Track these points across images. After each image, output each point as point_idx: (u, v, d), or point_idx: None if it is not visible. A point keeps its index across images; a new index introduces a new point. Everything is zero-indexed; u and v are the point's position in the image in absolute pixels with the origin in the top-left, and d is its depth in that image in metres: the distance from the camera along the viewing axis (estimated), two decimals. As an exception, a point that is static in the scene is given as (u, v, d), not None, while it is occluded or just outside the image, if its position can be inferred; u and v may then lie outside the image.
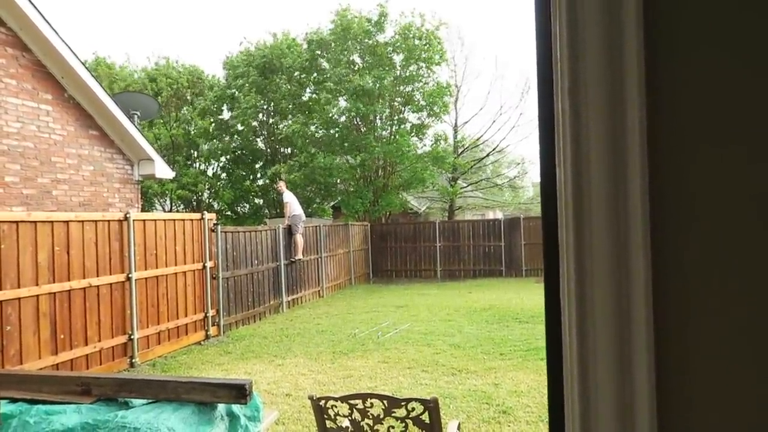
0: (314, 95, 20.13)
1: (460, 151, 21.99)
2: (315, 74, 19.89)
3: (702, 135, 0.75)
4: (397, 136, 18.00)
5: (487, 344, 7.88)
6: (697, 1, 0.75)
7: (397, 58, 18.55)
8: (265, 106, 21.74)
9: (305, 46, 20.10)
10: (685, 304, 0.76)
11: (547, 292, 0.87)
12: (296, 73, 20.84)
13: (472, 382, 6.17)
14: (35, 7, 7.68)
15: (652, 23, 0.75)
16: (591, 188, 0.76)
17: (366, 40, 18.54)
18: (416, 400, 2.61)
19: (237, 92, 21.19)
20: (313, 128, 19.28)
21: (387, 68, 18.07)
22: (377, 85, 17.51)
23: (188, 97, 23.06)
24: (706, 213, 0.75)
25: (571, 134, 0.77)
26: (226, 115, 22.50)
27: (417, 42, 18.14)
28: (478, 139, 22.43)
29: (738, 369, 0.75)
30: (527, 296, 12.36)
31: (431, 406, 2.57)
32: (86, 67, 8.81)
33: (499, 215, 24.09)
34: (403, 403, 2.60)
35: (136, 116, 10.39)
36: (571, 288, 0.78)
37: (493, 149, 22.80)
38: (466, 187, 23.19)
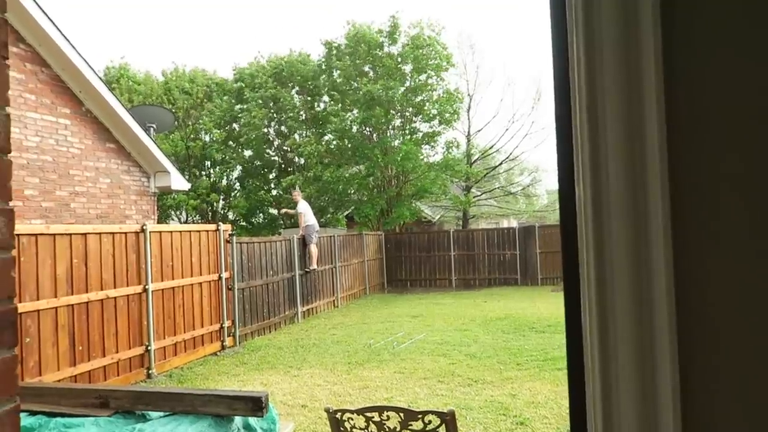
0: (327, 106, 20.29)
1: (473, 159, 21.95)
2: (327, 87, 20.05)
3: (722, 146, 0.74)
4: (408, 145, 18.02)
5: (504, 354, 7.81)
6: (714, 9, 0.74)
7: (407, 68, 18.64)
8: (276, 117, 21.90)
9: (323, 49, 20.21)
10: (708, 310, 0.75)
11: (567, 304, 0.86)
12: (309, 84, 21.00)
13: (488, 392, 6.11)
14: (53, 23, 7.83)
15: (670, 36, 0.75)
16: (610, 202, 0.75)
17: (377, 52, 18.66)
18: (433, 412, 2.59)
19: (247, 104, 21.35)
20: (326, 139, 19.40)
21: (397, 79, 18.16)
22: (388, 94, 17.58)
23: (204, 105, 23.27)
24: (728, 223, 0.74)
25: (590, 149, 0.76)
26: (238, 125, 22.70)
27: (424, 51, 18.22)
28: (490, 148, 22.38)
29: (764, 375, 0.73)
30: (543, 305, 12.25)
31: (448, 419, 2.55)
32: (103, 81, 8.94)
33: (514, 223, 23.99)
34: (419, 416, 2.57)
35: (152, 129, 10.52)
36: (592, 300, 0.77)
37: (507, 157, 22.74)
38: (480, 195, 23.13)
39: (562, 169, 0.84)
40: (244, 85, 22.07)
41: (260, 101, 20.87)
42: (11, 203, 1.06)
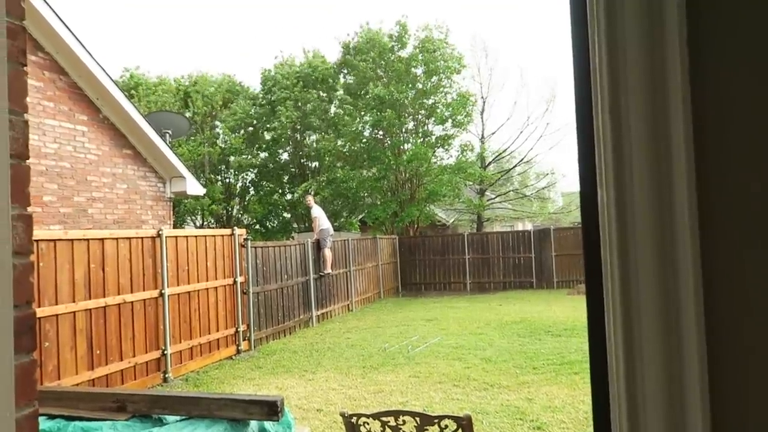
0: (340, 110, 20.37)
1: (487, 162, 21.88)
2: (340, 91, 20.12)
3: (749, 145, 0.73)
4: (419, 147, 18.00)
5: (519, 358, 7.75)
6: (740, 8, 0.73)
7: (418, 71, 18.65)
8: (296, 120, 22.04)
9: (337, 52, 20.37)
10: (736, 310, 0.73)
11: (589, 304, 0.85)
12: (322, 91, 21.11)
13: (504, 397, 6.07)
14: (71, 30, 7.93)
15: (696, 35, 0.74)
16: (635, 202, 0.74)
17: (389, 56, 18.70)
18: (449, 417, 2.57)
19: (272, 108, 21.50)
20: (340, 142, 19.47)
21: (408, 83, 18.17)
22: (399, 98, 17.59)
23: (221, 109, 23.43)
24: (756, 222, 0.73)
25: (613, 149, 0.75)
26: (253, 129, 22.84)
27: (434, 54, 18.23)
28: (504, 150, 22.31)
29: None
30: (559, 308, 12.15)
31: (464, 424, 2.53)
32: (120, 88, 9.04)
33: (529, 226, 23.84)
34: (435, 421, 2.56)
35: (167, 135, 10.61)
36: (616, 300, 0.76)
37: (521, 160, 22.64)
38: (494, 198, 23.03)
39: (583, 170, 0.83)
40: (267, 89, 22.20)
41: (289, 104, 20.99)
42: (29, 209, 1.07)
